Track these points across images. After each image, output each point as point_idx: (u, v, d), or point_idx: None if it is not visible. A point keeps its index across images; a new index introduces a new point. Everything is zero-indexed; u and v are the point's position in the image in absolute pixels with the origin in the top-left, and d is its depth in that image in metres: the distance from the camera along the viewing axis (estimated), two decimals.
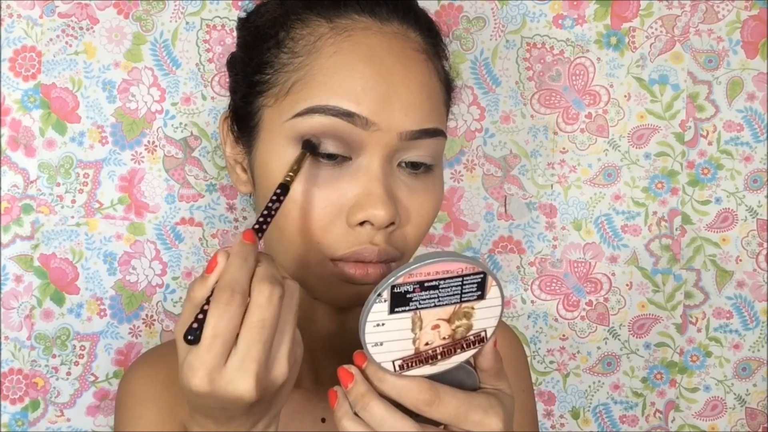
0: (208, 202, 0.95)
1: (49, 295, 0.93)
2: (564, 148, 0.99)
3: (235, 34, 0.94)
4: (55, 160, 0.93)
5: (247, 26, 0.64)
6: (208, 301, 0.46)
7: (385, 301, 0.47)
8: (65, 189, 0.93)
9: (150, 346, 0.95)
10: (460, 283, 0.48)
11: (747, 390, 1.02)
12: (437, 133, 0.59)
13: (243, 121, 0.62)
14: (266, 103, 0.59)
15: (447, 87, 0.64)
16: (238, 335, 0.46)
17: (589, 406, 1.02)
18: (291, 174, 0.54)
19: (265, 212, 0.51)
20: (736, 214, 1.00)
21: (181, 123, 0.94)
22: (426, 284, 0.48)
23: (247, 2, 0.94)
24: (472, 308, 0.50)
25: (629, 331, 1.01)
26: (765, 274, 1.00)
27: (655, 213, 0.99)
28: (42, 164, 0.93)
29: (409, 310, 0.48)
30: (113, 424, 0.70)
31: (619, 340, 1.01)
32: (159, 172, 0.94)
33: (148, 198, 0.94)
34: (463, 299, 0.49)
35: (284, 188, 0.53)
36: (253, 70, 0.61)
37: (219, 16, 0.94)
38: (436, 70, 0.61)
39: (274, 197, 0.53)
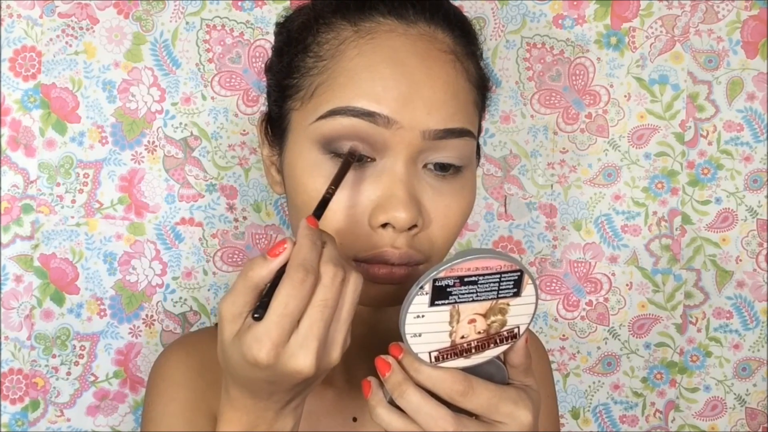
0: (208, 202, 0.95)
1: (49, 295, 0.93)
2: (564, 148, 0.99)
3: (234, 34, 0.94)
4: (55, 160, 0.93)
5: (281, 31, 0.65)
6: (270, 283, 0.49)
7: (426, 293, 0.49)
8: (65, 189, 0.93)
9: (150, 346, 0.95)
10: (497, 279, 0.50)
11: (747, 390, 1.02)
12: (464, 134, 0.58)
13: (275, 124, 0.64)
14: (294, 106, 0.60)
15: (479, 88, 0.63)
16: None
17: (589, 406, 1.02)
18: (333, 188, 0.55)
19: (322, 202, 0.54)
20: (736, 214, 1.00)
21: (181, 123, 0.95)
22: (466, 279, 0.49)
23: (251, 3, 0.94)
24: (508, 305, 0.51)
25: (629, 331, 1.01)
26: (765, 274, 1.00)
27: (655, 213, 0.99)
28: (42, 164, 0.93)
29: (449, 303, 0.50)
30: (143, 406, 0.70)
31: (619, 340, 1.01)
32: (159, 172, 0.94)
33: (148, 198, 0.94)
34: (499, 295, 0.51)
35: (326, 199, 0.54)
36: (283, 75, 0.62)
37: (219, 16, 0.94)
38: (465, 70, 0.60)
39: (331, 189, 0.54)
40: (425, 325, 0.50)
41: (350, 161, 0.56)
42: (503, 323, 0.52)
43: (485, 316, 0.51)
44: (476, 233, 0.99)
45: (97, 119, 0.93)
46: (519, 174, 0.98)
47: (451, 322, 0.50)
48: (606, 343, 1.01)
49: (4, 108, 0.92)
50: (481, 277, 0.49)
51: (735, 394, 1.02)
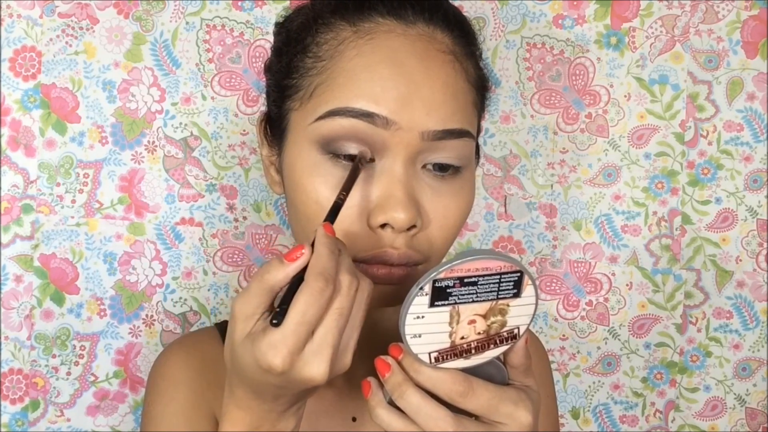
0: (208, 202, 0.95)
1: (49, 295, 0.93)
2: (564, 148, 0.99)
3: (234, 34, 0.94)
4: (55, 160, 0.93)
5: (280, 31, 0.65)
6: (288, 288, 0.49)
7: (426, 294, 0.49)
8: (65, 189, 0.93)
9: (150, 346, 0.95)
10: (497, 280, 0.50)
11: (747, 390, 1.02)
12: (463, 134, 0.58)
13: (274, 124, 0.64)
14: (293, 106, 0.60)
15: (478, 88, 0.63)
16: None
17: (589, 406, 1.02)
18: (344, 194, 0.55)
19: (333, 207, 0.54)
20: (736, 214, 1.00)
21: (181, 123, 0.95)
22: (466, 280, 0.49)
23: (251, 3, 0.94)
24: (508, 305, 0.51)
25: (629, 331, 1.01)
26: (765, 274, 1.00)
27: (655, 213, 0.99)
28: (42, 164, 0.93)
29: (449, 304, 0.50)
30: (143, 405, 0.70)
31: (619, 340, 1.01)
32: (159, 172, 0.94)
33: (148, 198, 0.94)
34: (499, 296, 0.51)
35: (338, 205, 0.55)
36: (282, 75, 0.62)
37: (219, 16, 0.94)
38: (464, 71, 0.60)
39: (342, 196, 0.54)
40: (425, 325, 0.50)
41: (359, 167, 0.55)
42: (503, 324, 0.52)
43: (485, 316, 0.51)
44: (476, 233, 0.99)
45: (97, 119, 0.93)
46: (519, 174, 0.98)
47: (451, 323, 0.50)
48: (606, 343, 1.01)
49: (4, 108, 0.92)
50: (481, 278, 0.49)
51: (735, 394, 1.02)
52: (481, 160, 0.98)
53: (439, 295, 0.49)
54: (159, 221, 0.95)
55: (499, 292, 0.50)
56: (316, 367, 0.47)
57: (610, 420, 1.02)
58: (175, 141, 0.95)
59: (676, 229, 1.00)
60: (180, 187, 0.95)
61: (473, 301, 0.50)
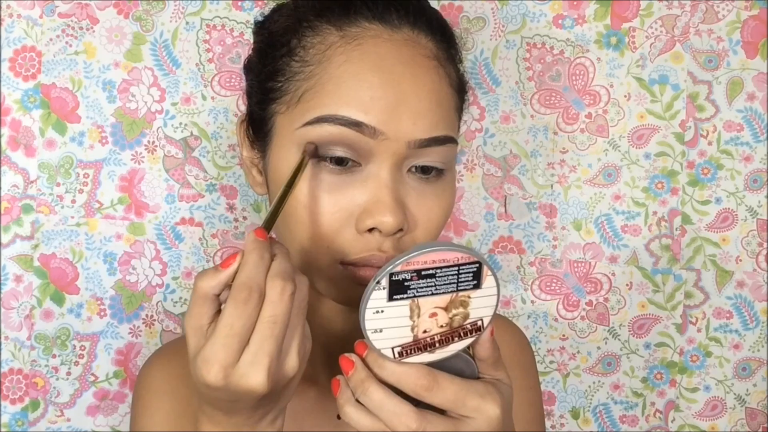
0: (208, 202, 0.95)
1: (49, 295, 0.93)
2: (564, 148, 0.99)
3: (234, 34, 0.94)
4: (55, 160, 0.93)
5: (262, 32, 0.65)
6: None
7: (383, 288, 0.49)
8: (65, 189, 0.93)
9: (150, 346, 0.95)
10: (456, 272, 0.49)
11: (747, 390, 1.02)
12: (447, 141, 0.59)
13: (257, 125, 0.63)
14: (278, 110, 0.60)
15: (459, 92, 0.64)
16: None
17: (589, 406, 1.02)
18: (289, 183, 0.55)
19: (272, 211, 0.54)
20: (736, 214, 1.00)
21: (181, 123, 0.95)
22: (423, 272, 0.49)
23: (251, 3, 0.95)
24: (469, 297, 0.51)
25: (629, 331, 1.01)
26: (765, 274, 1.00)
27: (655, 213, 0.99)
28: (42, 164, 0.93)
29: (407, 297, 0.49)
30: (130, 417, 0.70)
31: (619, 340, 1.01)
32: (159, 172, 0.94)
33: (148, 198, 0.94)
34: (459, 288, 0.50)
35: (286, 193, 0.55)
36: (266, 77, 0.62)
37: (219, 16, 0.94)
38: (447, 75, 0.61)
39: (284, 192, 0.54)
40: (385, 320, 0.49)
41: (305, 162, 0.56)
42: (466, 316, 0.51)
43: (446, 309, 0.50)
44: (476, 233, 0.99)
45: (97, 119, 0.93)
46: (519, 174, 0.98)
47: (411, 317, 0.50)
48: (606, 343, 1.01)
49: (4, 108, 0.92)
50: (438, 270, 0.49)
51: (735, 394, 1.02)
52: (482, 160, 0.98)
53: (397, 289, 0.49)
54: (159, 221, 0.95)
55: (459, 284, 0.50)
56: (253, 377, 0.47)
57: (610, 420, 1.02)
58: (175, 141, 0.95)
59: (676, 229, 1.00)
60: (180, 187, 0.95)
61: (432, 294, 0.50)
